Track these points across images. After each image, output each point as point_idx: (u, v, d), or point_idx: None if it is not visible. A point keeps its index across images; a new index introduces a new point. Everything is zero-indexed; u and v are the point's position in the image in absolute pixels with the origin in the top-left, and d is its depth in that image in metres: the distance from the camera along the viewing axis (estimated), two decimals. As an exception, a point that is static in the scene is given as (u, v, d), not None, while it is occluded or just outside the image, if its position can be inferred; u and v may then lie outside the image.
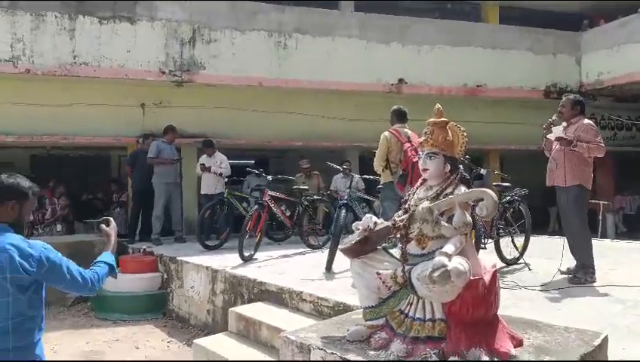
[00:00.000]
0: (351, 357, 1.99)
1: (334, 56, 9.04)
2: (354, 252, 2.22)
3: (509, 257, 5.09)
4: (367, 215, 2.27)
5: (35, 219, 8.43)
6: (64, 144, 9.24)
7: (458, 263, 1.87)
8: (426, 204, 2.05)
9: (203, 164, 7.71)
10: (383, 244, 2.27)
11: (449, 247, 1.94)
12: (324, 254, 5.87)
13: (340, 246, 2.26)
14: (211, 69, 8.38)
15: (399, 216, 2.17)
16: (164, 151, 7.50)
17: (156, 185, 7.46)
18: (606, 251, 6.07)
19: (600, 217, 10.22)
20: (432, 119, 2.25)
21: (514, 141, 10.73)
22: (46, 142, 9.00)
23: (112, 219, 2.49)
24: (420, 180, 2.28)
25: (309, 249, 6.72)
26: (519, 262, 5.14)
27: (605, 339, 2.29)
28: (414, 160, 4.47)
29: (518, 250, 5.23)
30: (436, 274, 1.81)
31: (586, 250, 4.29)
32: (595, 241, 6.90)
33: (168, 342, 5.30)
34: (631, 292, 3.97)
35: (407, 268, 2.10)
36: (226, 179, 7.64)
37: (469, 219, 1.98)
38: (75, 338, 5.36)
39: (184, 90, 8.60)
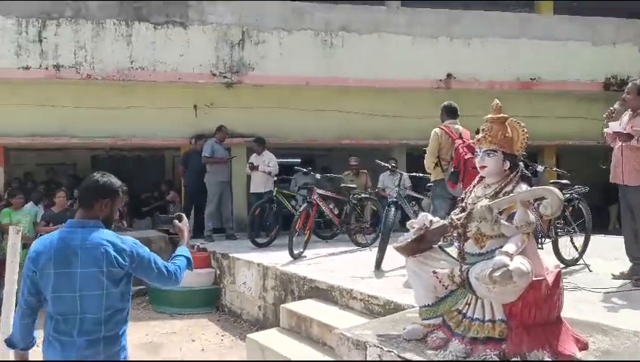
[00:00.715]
0: (408, 355, 1.99)
1: (381, 53, 8.98)
2: (409, 250, 2.21)
3: (567, 258, 4.87)
4: (423, 213, 2.25)
5: None
6: (122, 145, 9.71)
7: (520, 263, 1.83)
8: (485, 202, 2.01)
9: (251, 163, 7.90)
10: (439, 243, 2.25)
11: (510, 247, 1.89)
12: (372, 252, 5.85)
13: (394, 245, 2.26)
14: (260, 69, 8.54)
15: (456, 215, 2.14)
16: (218, 151, 7.75)
17: (210, 184, 7.71)
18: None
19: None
20: (490, 115, 2.20)
21: (571, 136, 10.25)
22: (106, 144, 9.50)
23: (184, 215, 2.58)
24: (477, 178, 2.24)
25: (356, 247, 6.72)
26: (579, 262, 4.91)
27: (679, 345, 2.16)
28: (466, 157, 4.38)
29: (577, 250, 4.99)
30: (497, 273, 1.78)
31: None
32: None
33: (222, 336, 5.46)
34: None
35: (464, 267, 2.07)
36: (275, 178, 7.77)
37: (532, 217, 1.92)
38: (135, 329, 5.61)
39: (234, 91, 8.81)
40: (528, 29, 9.65)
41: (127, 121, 8.57)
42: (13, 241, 3.61)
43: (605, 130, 4.08)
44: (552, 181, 5.21)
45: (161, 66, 8.15)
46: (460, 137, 4.60)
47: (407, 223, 2.30)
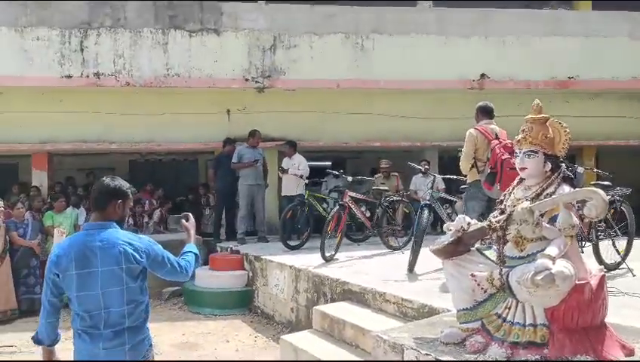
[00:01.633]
0: (446, 359, 1.97)
1: (412, 54, 8.90)
2: (446, 253, 2.19)
3: (609, 262, 4.71)
4: (460, 215, 2.22)
5: (139, 222, 9.17)
6: (158, 150, 9.97)
7: (563, 266, 1.79)
8: (526, 204, 1.97)
9: (282, 167, 8.01)
10: (477, 246, 2.22)
11: (552, 250, 1.85)
12: (404, 255, 5.80)
13: (431, 247, 2.24)
14: (291, 73, 8.63)
15: (495, 217, 2.11)
16: (245, 155, 7.88)
17: (240, 187, 7.86)
18: None
19: None
20: (530, 115, 2.16)
21: (612, 136, 9.88)
22: (142, 149, 9.78)
23: (190, 214, 2.74)
24: (516, 180, 2.20)
25: (388, 250, 6.67)
26: (621, 267, 4.74)
27: None
28: (503, 157, 4.29)
29: (619, 254, 4.82)
30: (539, 277, 1.74)
31: None
32: None
33: (255, 337, 5.53)
34: None
35: (504, 270, 2.03)
36: (307, 181, 7.82)
37: (576, 220, 1.88)
38: (172, 329, 5.77)
39: (265, 96, 8.93)
40: (564, 26, 9.38)
41: (162, 127, 8.82)
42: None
43: None
44: (592, 183, 5.05)
45: (196, 72, 8.35)
46: (497, 138, 4.51)
47: (444, 226, 2.28)
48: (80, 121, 8.59)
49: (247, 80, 8.54)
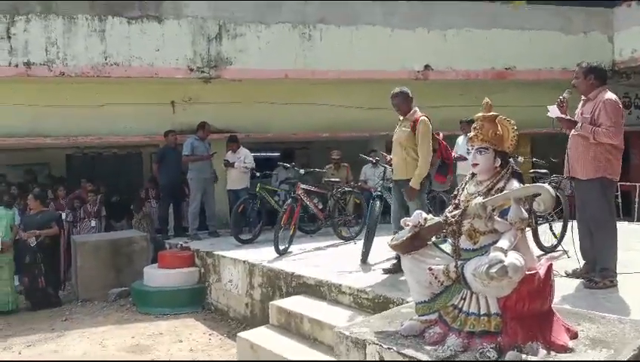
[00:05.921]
0: (408, 352, 2.02)
1: (359, 45, 8.98)
2: (405, 248, 2.24)
3: (547, 245, 5.03)
4: (417, 211, 2.28)
5: (77, 217, 8.69)
6: (98, 144, 9.48)
7: (515, 258, 1.88)
8: (479, 199, 2.05)
9: (227, 161, 7.87)
10: (433, 239, 2.29)
11: (504, 242, 1.94)
12: (357, 246, 5.90)
13: (390, 243, 2.29)
14: (238, 63, 8.44)
15: (450, 212, 2.18)
16: (198, 148, 7.65)
17: (193, 181, 7.63)
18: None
19: (637, 200, 9.97)
20: (480, 113, 2.24)
21: (546, 125, 10.46)
22: (81, 143, 9.26)
23: None
24: (468, 175, 2.28)
25: (341, 241, 6.76)
26: (557, 249, 5.08)
27: (662, 330, 2.26)
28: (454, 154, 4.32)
29: (556, 237, 5.16)
30: (493, 269, 1.82)
31: (611, 252, 3.63)
32: (632, 226, 6.74)
33: (210, 335, 5.43)
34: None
35: (459, 263, 2.11)
36: (257, 174, 7.75)
37: (525, 214, 1.98)
38: (121, 332, 5.55)
39: (212, 86, 8.70)
40: (502, 19, 9.80)
41: (102, 119, 8.39)
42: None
43: (548, 114, 3.81)
44: (530, 171, 5.34)
45: (137, 62, 7.97)
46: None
47: (401, 221, 2.33)
48: (10, 113, 7.98)
49: (191, 70, 8.27)
